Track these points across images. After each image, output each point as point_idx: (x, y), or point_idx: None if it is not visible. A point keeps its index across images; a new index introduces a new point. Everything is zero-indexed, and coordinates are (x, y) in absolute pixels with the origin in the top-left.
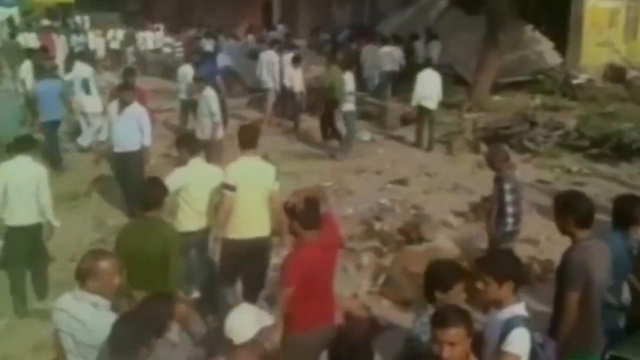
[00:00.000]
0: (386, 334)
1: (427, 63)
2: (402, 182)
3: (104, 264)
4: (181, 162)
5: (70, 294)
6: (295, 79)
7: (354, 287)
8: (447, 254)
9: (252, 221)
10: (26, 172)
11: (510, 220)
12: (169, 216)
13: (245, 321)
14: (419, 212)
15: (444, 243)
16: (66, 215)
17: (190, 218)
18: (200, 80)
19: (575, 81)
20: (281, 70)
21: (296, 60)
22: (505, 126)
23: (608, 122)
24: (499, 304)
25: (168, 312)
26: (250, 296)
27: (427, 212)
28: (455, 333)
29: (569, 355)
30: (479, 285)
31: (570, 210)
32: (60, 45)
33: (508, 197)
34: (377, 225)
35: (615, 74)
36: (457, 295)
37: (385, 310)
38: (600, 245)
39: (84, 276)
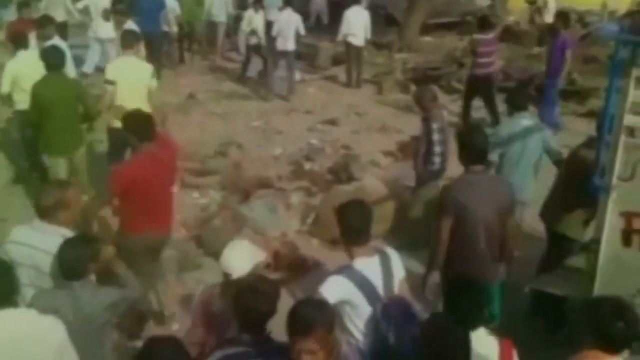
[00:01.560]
0: (314, 273)
1: (356, 0)
2: (332, 122)
3: (72, 195)
4: None
5: (27, 227)
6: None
7: (283, 227)
8: (375, 194)
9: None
10: None
11: (437, 159)
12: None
13: (242, 257)
14: (349, 152)
15: (372, 182)
16: None
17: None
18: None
19: (502, 23)
20: None
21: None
22: (435, 67)
23: (532, 64)
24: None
25: (88, 254)
26: None
27: (357, 152)
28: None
29: (451, 282)
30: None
31: (464, 144)
32: None
33: (436, 137)
34: (307, 165)
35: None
36: None
37: (314, 249)
38: (489, 180)
39: (52, 209)
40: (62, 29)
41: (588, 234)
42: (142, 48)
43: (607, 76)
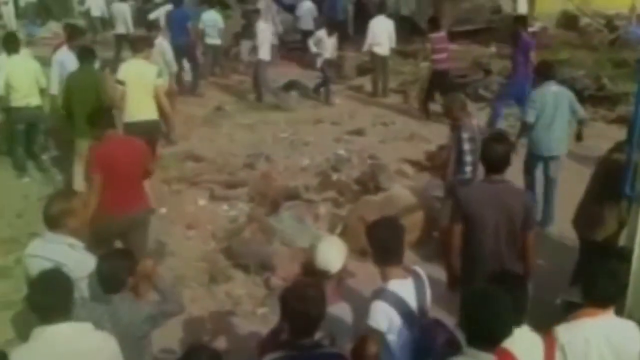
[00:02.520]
0: (343, 284)
1: (380, 10)
2: (358, 132)
3: (77, 203)
4: None
5: (40, 239)
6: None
7: (311, 238)
8: (403, 203)
9: (140, 108)
10: None
11: (468, 168)
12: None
13: (338, 252)
14: (376, 162)
15: (400, 192)
16: (11, 171)
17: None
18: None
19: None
20: None
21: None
22: (461, 75)
23: (561, 69)
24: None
25: (127, 267)
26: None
27: (384, 162)
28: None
29: (462, 288)
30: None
31: (484, 153)
32: None
33: (466, 146)
34: (334, 176)
35: (569, 21)
36: None
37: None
38: (502, 189)
39: (58, 218)
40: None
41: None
42: (155, 53)
43: (637, 81)
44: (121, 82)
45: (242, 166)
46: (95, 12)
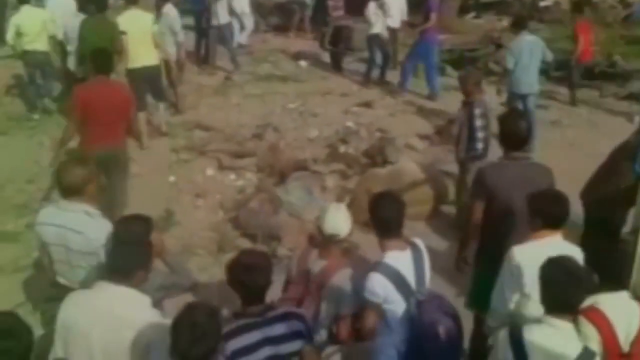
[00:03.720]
0: (350, 255)
1: None
2: (367, 104)
3: (92, 171)
4: None
5: (53, 207)
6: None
7: (318, 209)
8: (411, 177)
9: (141, 54)
10: None
11: (480, 145)
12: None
13: (346, 218)
14: (384, 135)
15: (408, 166)
16: (22, 137)
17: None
18: None
19: (542, 3)
20: None
21: None
22: (472, 48)
23: (572, 45)
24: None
25: (144, 233)
26: (157, 100)
27: (392, 135)
28: None
29: (479, 267)
30: None
31: (504, 130)
32: None
33: (478, 122)
34: (342, 148)
35: None
36: None
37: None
38: (525, 166)
39: (77, 186)
40: None
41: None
42: (163, 23)
43: None
44: (123, 32)
45: (250, 136)
46: None
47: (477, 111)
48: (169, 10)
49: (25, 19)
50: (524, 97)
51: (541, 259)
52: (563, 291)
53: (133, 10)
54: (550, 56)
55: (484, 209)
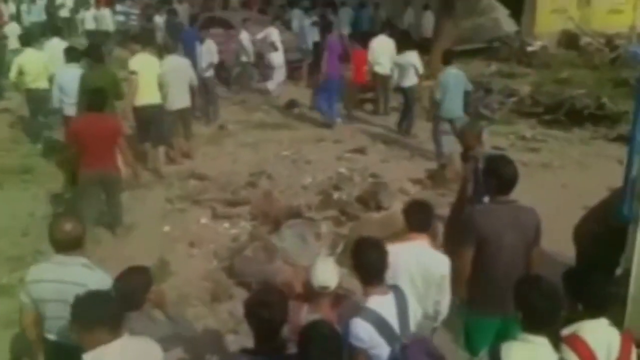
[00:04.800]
0: (345, 302)
1: (382, 29)
2: (360, 150)
3: (82, 225)
4: None
5: (47, 264)
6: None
7: (313, 256)
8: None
9: (147, 94)
10: None
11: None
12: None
13: (334, 270)
14: (377, 180)
15: (401, 211)
16: (17, 189)
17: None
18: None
19: (529, 48)
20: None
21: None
22: None
23: (562, 89)
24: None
25: (144, 285)
26: (157, 143)
27: (385, 180)
28: None
29: (469, 312)
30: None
31: (491, 174)
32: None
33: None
34: (336, 195)
35: (569, 40)
36: None
37: (344, 278)
38: (512, 209)
39: (75, 240)
40: None
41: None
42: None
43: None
44: (134, 72)
45: (244, 184)
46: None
47: (482, 166)
48: (178, 59)
49: (28, 60)
50: (451, 121)
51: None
52: (539, 311)
53: (144, 54)
54: (470, 86)
55: (472, 254)
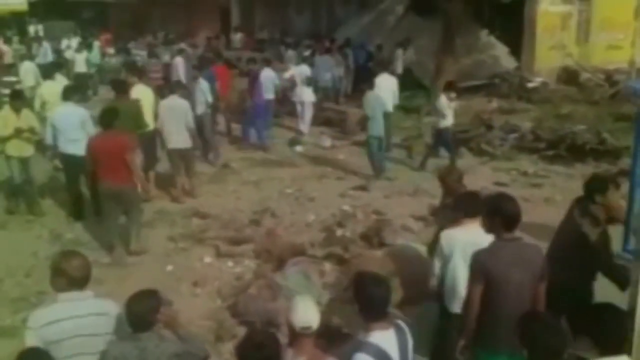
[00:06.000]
0: (349, 340)
1: (384, 67)
2: (363, 187)
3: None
4: None
5: (58, 303)
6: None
7: (317, 294)
8: (408, 258)
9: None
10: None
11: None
12: None
13: (314, 310)
14: (380, 217)
15: (405, 247)
16: (20, 230)
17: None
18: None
19: (530, 84)
20: None
21: None
22: (463, 130)
23: (562, 124)
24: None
25: (154, 307)
26: (148, 167)
27: (388, 217)
28: None
29: (474, 349)
30: None
31: (495, 212)
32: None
33: None
34: (339, 232)
35: (569, 76)
36: None
37: (348, 316)
38: (519, 246)
39: (88, 276)
40: None
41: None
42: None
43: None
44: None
45: (248, 222)
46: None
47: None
48: (177, 99)
49: (47, 91)
50: (378, 138)
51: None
52: (544, 347)
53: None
54: (396, 100)
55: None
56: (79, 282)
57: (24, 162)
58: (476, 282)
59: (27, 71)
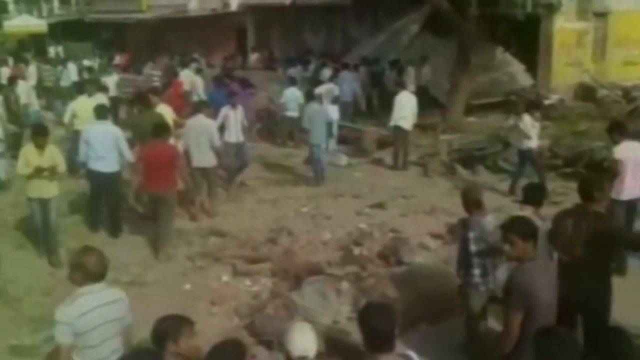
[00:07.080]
0: None
1: (403, 86)
2: (379, 205)
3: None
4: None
5: (83, 297)
6: None
7: (334, 313)
8: (425, 277)
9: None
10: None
11: (476, 271)
12: None
13: (313, 338)
14: (397, 236)
15: (422, 265)
16: (38, 250)
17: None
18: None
19: (546, 101)
20: None
21: None
22: (480, 147)
23: (580, 141)
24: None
25: (240, 354)
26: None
27: (405, 235)
28: None
29: None
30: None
31: (519, 232)
32: (32, 76)
33: (473, 247)
34: (356, 250)
35: (586, 93)
36: None
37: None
38: (544, 265)
39: (105, 271)
40: None
41: None
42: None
43: None
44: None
45: (264, 241)
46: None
47: (472, 235)
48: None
49: (80, 107)
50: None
51: None
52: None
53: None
54: (336, 117)
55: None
56: (97, 276)
57: (43, 203)
58: (518, 308)
59: (22, 91)
